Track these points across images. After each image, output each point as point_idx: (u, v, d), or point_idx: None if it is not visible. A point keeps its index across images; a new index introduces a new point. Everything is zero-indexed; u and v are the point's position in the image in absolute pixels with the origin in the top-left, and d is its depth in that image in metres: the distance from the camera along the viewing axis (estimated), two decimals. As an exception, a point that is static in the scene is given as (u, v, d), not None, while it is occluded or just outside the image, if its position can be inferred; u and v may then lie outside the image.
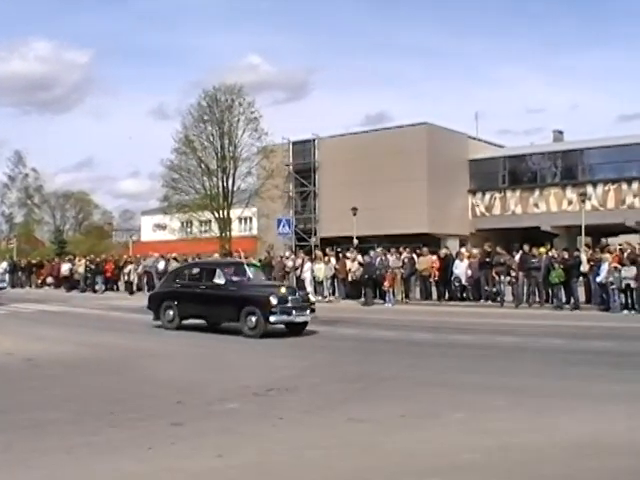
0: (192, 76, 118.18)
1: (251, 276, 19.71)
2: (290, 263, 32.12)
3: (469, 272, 27.61)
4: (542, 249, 26.88)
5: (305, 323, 18.70)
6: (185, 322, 19.77)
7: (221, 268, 19.75)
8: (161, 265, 36.40)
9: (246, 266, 20.27)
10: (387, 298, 28.33)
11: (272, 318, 17.86)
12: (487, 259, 27.39)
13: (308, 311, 18.75)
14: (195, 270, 21.15)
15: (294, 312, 18.20)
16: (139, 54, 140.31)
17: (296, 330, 18.40)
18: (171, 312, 19.94)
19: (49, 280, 45.05)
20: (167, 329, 19.60)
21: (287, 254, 35.63)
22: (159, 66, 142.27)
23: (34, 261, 49.13)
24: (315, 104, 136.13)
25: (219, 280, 19.15)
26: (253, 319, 17.97)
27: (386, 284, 28.34)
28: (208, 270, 20.05)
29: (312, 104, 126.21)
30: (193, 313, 19.95)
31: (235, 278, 19.46)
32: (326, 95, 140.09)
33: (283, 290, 18.79)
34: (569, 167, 50.05)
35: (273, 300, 17.88)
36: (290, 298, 18.33)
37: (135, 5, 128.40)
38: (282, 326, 18.44)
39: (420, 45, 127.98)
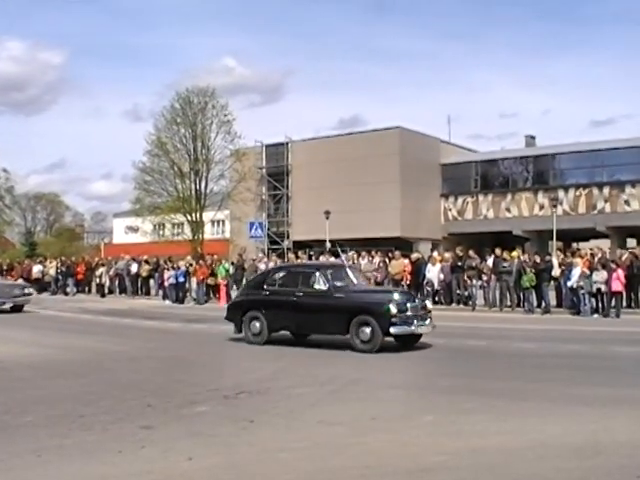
0: (167, 78, 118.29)
1: (355, 280, 17.44)
2: (262, 266, 32.03)
3: (441, 276, 27.69)
4: (514, 253, 27.03)
5: (421, 335, 16.14)
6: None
7: (322, 271, 16.89)
8: (133, 268, 36.30)
9: (348, 269, 18.53)
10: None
11: (393, 329, 15.20)
12: (459, 263, 27.48)
13: (428, 320, 16.11)
14: (288, 274, 18.02)
15: (415, 322, 15.60)
16: (114, 55, 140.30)
17: (410, 343, 15.90)
18: (258, 324, 16.99)
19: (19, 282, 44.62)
20: (251, 344, 16.82)
21: (259, 257, 35.63)
22: (134, 67, 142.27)
23: (5, 264, 48.58)
24: (290, 107, 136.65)
25: (321, 285, 16.39)
26: (367, 331, 15.27)
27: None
28: (305, 274, 17.15)
29: (287, 107, 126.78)
30: (286, 325, 17.20)
31: (338, 283, 16.67)
32: (301, 98, 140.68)
33: (397, 296, 16.34)
34: (541, 172, 50.36)
35: (393, 308, 15.27)
36: (409, 305, 15.78)
37: (110, 5, 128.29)
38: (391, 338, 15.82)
39: (395, 49, 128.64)
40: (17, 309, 26.41)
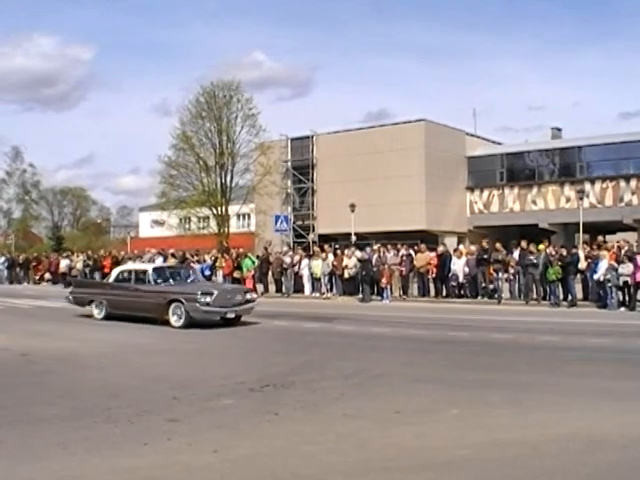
0: (196, 73, 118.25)
1: None
2: (288, 259, 32.15)
3: (466, 269, 27.60)
4: (540, 246, 26.89)
5: None
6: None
7: None
8: (159, 261, 36.42)
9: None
10: (384, 295, 28.32)
11: None
12: (484, 256, 27.37)
13: None
14: None
15: None
16: (143, 51, 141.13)
17: None
18: None
19: (47, 276, 45.00)
20: None
21: (285, 250, 35.68)
22: (163, 63, 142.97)
23: (31, 258, 48.92)
24: (318, 101, 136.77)
25: None
26: None
27: (383, 281, 28.33)
28: None
29: (315, 101, 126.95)
30: None
31: None
32: (329, 92, 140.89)
33: None
34: (567, 164, 50.03)
35: None
36: None
37: (140, 1, 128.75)
38: None
39: (423, 42, 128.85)
40: (233, 321, 20.11)
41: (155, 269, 21.73)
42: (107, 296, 21.64)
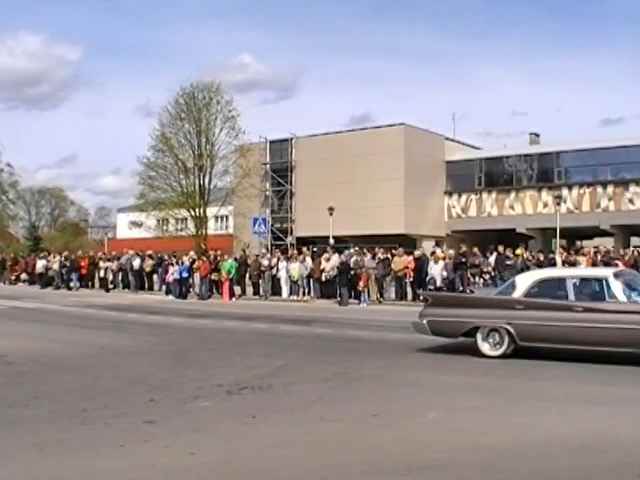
0: (182, 74, 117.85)
1: None
2: (265, 262, 32.13)
3: (444, 273, 27.65)
4: (518, 251, 27.01)
5: None
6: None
7: None
8: (136, 263, 36.31)
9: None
10: (362, 298, 28.33)
11: None
12: (462, 260, 27.44)
13: None
14: None
15: None
16: (130, 52, 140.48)
17: None
18: None
19: (23, 276, 44.78)
20: None
21: (263, 253, 35.67)
22: (150, 64, 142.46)
23: (9, 259, 48.57)
24: (303, 104, 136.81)
25: None
26: None
27: (361, 284, 28.35)
28: None
29: (300, 104, 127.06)
30: None
31: None
32: (314, 95, 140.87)
33: None
34: (545, 170, 50.31)
35: None
36: None
37: (127, 2, 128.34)
38: None
39: (408, 47, 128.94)
40: None
41: (618, 275, 13.53)
42: (514, 320, 13.52)
